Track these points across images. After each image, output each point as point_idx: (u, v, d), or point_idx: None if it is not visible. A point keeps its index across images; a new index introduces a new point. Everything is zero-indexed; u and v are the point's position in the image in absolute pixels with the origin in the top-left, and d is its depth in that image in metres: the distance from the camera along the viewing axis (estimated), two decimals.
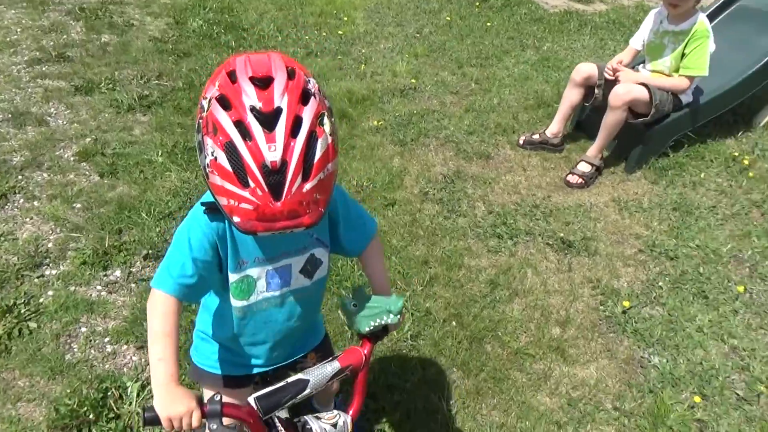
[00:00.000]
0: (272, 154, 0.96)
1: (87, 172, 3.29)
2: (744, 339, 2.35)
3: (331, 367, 1.21)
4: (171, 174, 3.32)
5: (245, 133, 0.97)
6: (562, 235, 2.87)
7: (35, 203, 3.03)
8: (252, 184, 0.97)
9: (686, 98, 3.21)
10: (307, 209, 1.00)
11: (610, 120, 3.13)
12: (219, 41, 5.09)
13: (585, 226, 2.95)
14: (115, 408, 2.05)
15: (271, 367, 1.48)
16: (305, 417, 1.21)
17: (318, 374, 1.19)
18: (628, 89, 3.03)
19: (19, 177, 3.18)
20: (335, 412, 1.23)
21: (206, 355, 1.49)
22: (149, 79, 4.41)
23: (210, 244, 1.19)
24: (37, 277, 2.59)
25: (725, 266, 2.69)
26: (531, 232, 2.92)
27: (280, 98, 0.98)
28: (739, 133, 3.61)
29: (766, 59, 3.29)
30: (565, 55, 4.70)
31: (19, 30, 4.86)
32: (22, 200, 3.04)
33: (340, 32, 5.23)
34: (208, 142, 1.00)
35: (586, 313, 2.49)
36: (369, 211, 1.92)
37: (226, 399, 1.11)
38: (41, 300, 2.48)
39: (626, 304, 2.48)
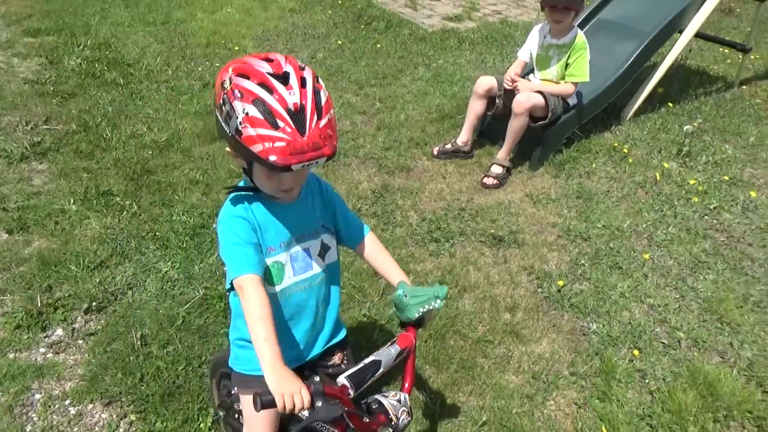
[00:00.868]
0: (293, 98, 1.21)
1: None
2: (657, 297, 2.79)
3: (394, 349, 1.41)
4: (90, 221, 3.15)
5: (268, 89, 1.21)
6: (492, 231, 3.17)
7: None
8: (281, 124, 1.20)
9: (572, 101, 3.70)
10: (325, 142, 1.24)
11: (515, 125, 3.52)
12: (104, 79, 4.85)
13: (509, 221, 3.28)
14: None
15: (306, 360, 1.58)
16: (373, 397, 1.37)
17: (386, 355, 1.38)
18: (528, 97, 3.44)
19: None
20: (395, 391, 1.39)
21: (248, 360, 1.55)
22: (36, 124, 4.10)
23: (251, 227, 1.38)
24: None
25: (629, 240, 3.16)
26: (464, 233, 3.18)
27: (286, 65, 1.26)
28: (613, 127, 4.20)
29: (627, 65, 3.90)
30: (454, 71, 5.12)
31: None
32: None
33: None
34: (237, 105, 1.21)
35: (528, 297, 2.79)
36: None
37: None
38: None
39: (560, 283, 2.82)
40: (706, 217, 3.35)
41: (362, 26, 6.11)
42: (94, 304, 2.63)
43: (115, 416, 2.17)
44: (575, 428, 2.20)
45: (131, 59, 5.28)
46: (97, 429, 2.12)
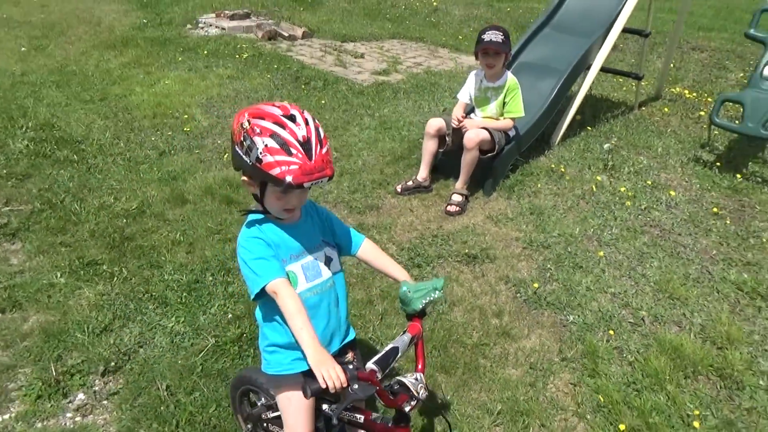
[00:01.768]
0: (301, 132, 1.53)
1: None
2: (616, 287, 3.23)
3: (406, 337, 1.69)
4: (83, 290, 3.21)
5: (281, 126, 1.52)
6: (465, 251, 3.53)
7: None
8: (294, 152, 1.51)
9: (512, 133, 4.22)
10: (327, 165, 1.56)
11: (468, 158, 3.97)
12: (56, 157, 4.88)
13: (478, 240, 3.66)
14: None
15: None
16: (395, 379, 1.61)
17: (401, 342, 1.66)
18: (476, 133, 3.91)
19: None
20: (411, 372, 1.64)
21: (280, 362, 1.79)
22: None
23: (266, 244, 1.65)
24: None
25: (582, 243, 3.62)
26: (441, 256, 3.52)
27: (291, 109, 1.58)
28: (546, 152, 4.78)
29: (551, 98, 4.51)
30: (396, 118, 5.59)
31: None
32: None
33: (185, 129, 5.40)
34: (257, 139, 1.51)
35: (510, 302, 3.14)
36: None
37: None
38: None
39: (536, 285, 3.21)
40: (639, 216, 3.91)
41: (302, 86, 6.50)
42: (110, 365, 2.70)
43: None
44: (576, 403, 2.54)
45: (79, 136, 5.32)
46: None
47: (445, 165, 4.39)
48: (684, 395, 2.55)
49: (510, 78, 4.05)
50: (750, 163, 4.81)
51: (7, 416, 2.43)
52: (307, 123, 1.56)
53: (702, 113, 5.91)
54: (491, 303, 3.14)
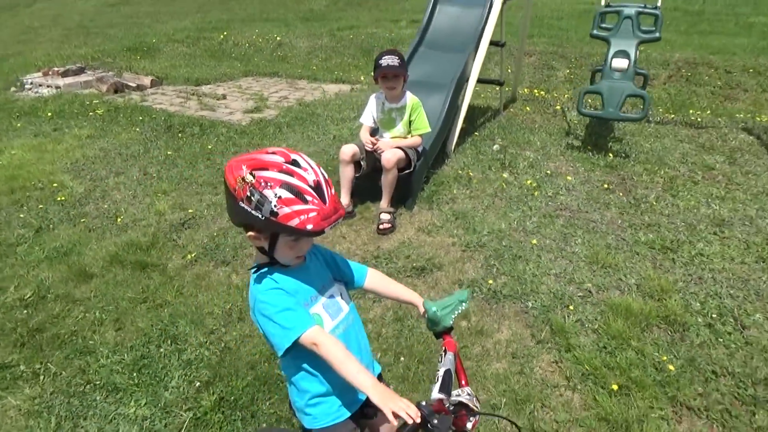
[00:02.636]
0: (311, 176, 1.46)
1: None
2: (555, 267, 3.53)
3: (450, 355, 1.66)
4: (7, 399, 2.73)
5: (289, 174, 1.44)
6: (412, 265, 3.61)
7: None
8: (309, 198, 1.44)
9: (421, 149, 4.42)
10: (339, 206, 1.51)
11: (389, 178, 4.07)
12: None
13: (419, 253, 3.77)
14: None
15: (366, 399, 1.71)
16: (449, 400, 1.56)
17: (450, 362, 1.63)
18: (393, 153, 4.03)
19: None
20: (459, 389, 1.62)
21: (326, 413, 1.69)
22: None
23: (286, 293, 1.55)
24: None
25: (512, 235, 3.90)
26: (391, 274, 3.56)
27: (291, 154, 1.50)
28: (447, 160, 5.07)
29: (445, 110, 4.82)
30: (300, 149, 5.52)
31: None
32: None
33: (59, 199, 4.83)
34: (268, 192, 1.41)
35: (471, 303, 3.28)
36: None
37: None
38: None
39: (490, 282, 3.39)
40: (550, 203, 4.31)
41: (178, 134, 6.15)
42: None
43: None
44: (565, 377, 2.73)
45: None
46: None
47: (360, 188, 4.45)
48: (647, 347, 2.87)
49: (411, 97, 4.26)
50: (610, 143, 5.56)
51: None
52: (311, 165, 1.49)
53: (557, 108, 6.71)
54: None
